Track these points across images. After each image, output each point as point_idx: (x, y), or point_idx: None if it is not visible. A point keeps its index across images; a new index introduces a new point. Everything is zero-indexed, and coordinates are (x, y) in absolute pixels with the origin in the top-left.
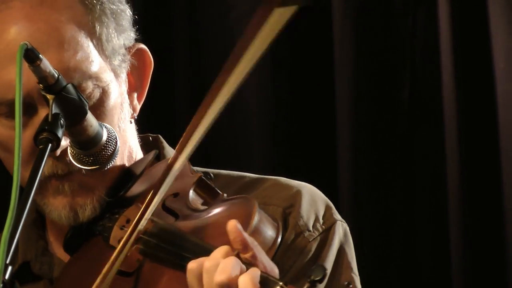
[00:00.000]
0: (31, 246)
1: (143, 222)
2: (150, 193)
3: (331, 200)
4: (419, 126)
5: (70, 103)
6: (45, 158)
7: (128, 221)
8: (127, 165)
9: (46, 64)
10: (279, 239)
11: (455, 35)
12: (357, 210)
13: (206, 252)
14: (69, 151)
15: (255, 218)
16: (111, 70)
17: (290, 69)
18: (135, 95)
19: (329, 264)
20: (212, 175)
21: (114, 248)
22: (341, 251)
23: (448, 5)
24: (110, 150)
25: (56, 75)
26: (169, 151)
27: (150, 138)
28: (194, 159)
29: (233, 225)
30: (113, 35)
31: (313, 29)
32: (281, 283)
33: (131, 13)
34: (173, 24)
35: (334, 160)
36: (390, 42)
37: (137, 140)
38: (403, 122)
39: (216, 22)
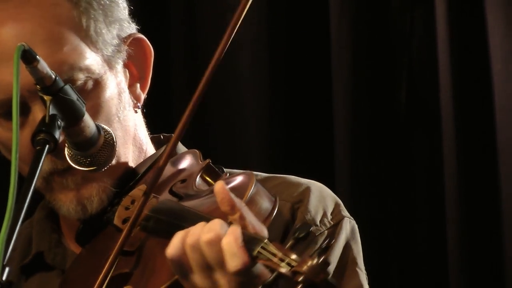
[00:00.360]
0: (45, 238)
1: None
2: (152, 174)
3: None
4: (416, 126)
5: (68, 104)
6: (42, 159)
7: (133, 202)
8: (135, 155)
9: (43, 65)
10: (275, 212)
11: (452, 36)
12: (354, 210)
13: (206, 221)
14: (66, 152)
15: (252, 189)
16: (104, 61)
17: (287, 70)
18: (138, 84)
19: (334, 258)
20: (224, 168)
21: (120, 230)
22: (347, 246)
23: (446, 5)
24: (107, 151)
25: (53, 76)
26: (181, 149)
27: (162, 137)
28: None
29: (220, 186)
30: (102, 27)
31: (310, 29)
32: (265, 241)
33: (126, 5)
34: (170, 25)
35: (332, 160)
36: (387, 42)
37: (146, 132)
38: (400, 122)
39: (212, 23)
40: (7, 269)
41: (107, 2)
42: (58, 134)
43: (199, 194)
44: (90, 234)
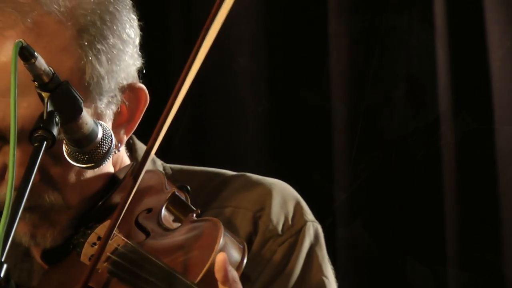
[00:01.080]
0: (13, 250)
1: (111, 241)
2: (117, 209)
3: (327, 202)
4: (414, 125)
5: (66, 101)
6: (40, 156)
7: (99, 239)
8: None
9: (41, 62)
10: (245, 261)
11: (451, 33)
12: (352, 209)
13: (170, 277)
14: (64, 149)
15: (220, 243)
16: (94, 114)
17: (285, 67)
18: (123, 129)
19: (298, 268)
20: (188, 187)
21: (85, 264)
22: (311, 253)
23: (444, 2)
24: (105, 148)
25: (51, 73)
26: (140, 153)
27: (131, 141)
28: (187, 158)
29: (221, 260)
30: (103, 82)
31: (308, 27)
32: None
33: (137, 43)
34: (168, 22)
35: (329, 160)
36: (385, 39)
37: (126, 155)
38: (398, 120)
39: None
40: (5, 266)
41: (114, 52)
42: (56, 131)
43: (166, 235)
44: (56, 256)
